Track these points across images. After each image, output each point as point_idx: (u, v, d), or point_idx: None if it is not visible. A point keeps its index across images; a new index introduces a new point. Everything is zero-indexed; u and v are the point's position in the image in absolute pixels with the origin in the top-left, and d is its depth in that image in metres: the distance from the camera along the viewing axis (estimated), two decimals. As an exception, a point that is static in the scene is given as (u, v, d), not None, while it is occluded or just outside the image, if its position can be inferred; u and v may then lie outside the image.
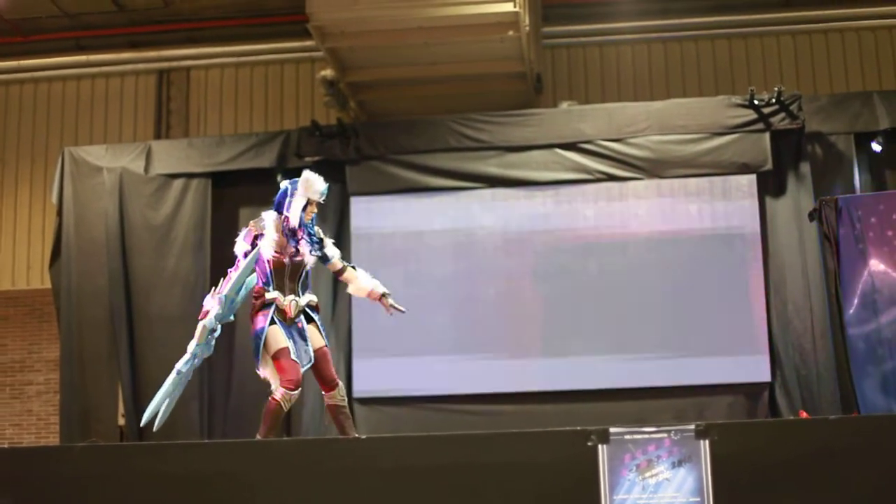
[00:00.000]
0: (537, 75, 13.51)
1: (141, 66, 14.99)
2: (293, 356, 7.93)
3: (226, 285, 7.88)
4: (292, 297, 8.07)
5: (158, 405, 8.12)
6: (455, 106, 13.52)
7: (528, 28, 12.36)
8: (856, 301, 10.20)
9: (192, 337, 13.00)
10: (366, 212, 13.20)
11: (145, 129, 14.89)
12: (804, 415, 11.23)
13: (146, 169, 13.58)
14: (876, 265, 10.20)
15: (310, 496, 6.40)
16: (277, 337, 7.96)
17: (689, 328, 12.54)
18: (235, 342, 13.47)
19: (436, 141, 13.09)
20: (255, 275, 7.99)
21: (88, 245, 13.55)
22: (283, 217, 8.04)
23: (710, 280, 12.63)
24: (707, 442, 6.13)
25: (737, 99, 12.89)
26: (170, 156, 13.66)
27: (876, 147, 12.84)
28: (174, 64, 14.96)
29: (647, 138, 12.89)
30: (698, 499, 6.08)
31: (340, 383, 8.23)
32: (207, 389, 13.17)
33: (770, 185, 12.87)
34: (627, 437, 6.19)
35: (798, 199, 12.64)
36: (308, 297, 8.22)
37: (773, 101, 12.62)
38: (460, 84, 13.49)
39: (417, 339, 12.69)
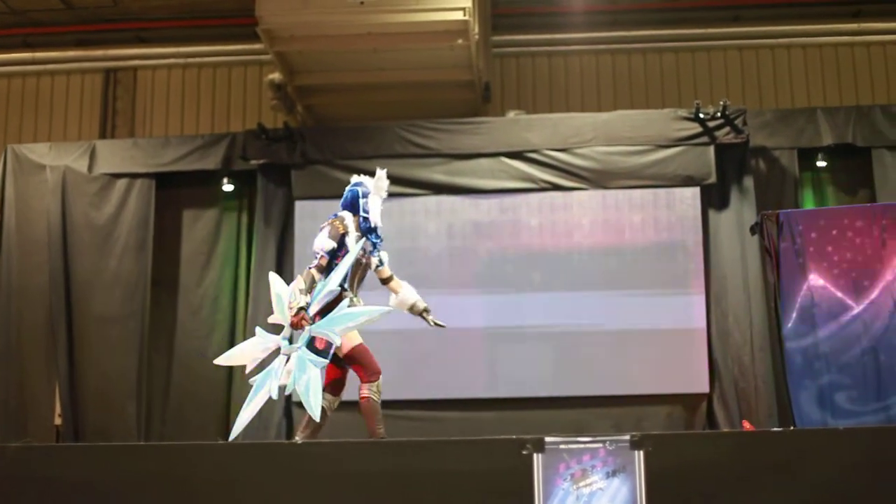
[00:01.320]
0: (486, 84, 13.52)
1: (88, 64, 14.83)
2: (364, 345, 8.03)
3: (331, 276, 7.94)
4: (357, 298, 8.19)
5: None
6: (403, 113, 13.51)
7: (477, 37, 12.35)
8: (794, 315, 10.28)
9: (131, 338, 12.99)
10: (310, 216, 13.10)
11: (90, 128, 14.74)
12: (747, 425, 11.29)
13: (90, 168, 13.51)
14: (815, 280, 10.29)
15: (244, 499, 6.38)
16: (352, 334, 7.97)
17: (630, 338, 12.60)
18: (174, 345, 13.43)
19: (382, 147, 13.05)
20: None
21: (29, 243, 13.46)
22: (358, 217, 8.18)
23: (652, 291, 12.69)
24: (641, 452, 6.18)
25: (682, 112, 12.97)
26: (114, 155, 13.58)
27: (820, 163, 13.01)
28: (121, 63, 14.82)
29: (592, 149, 12.94)
30: (632, 509, 6.12)
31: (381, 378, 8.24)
32: (146, 391, 13.08)
33: (713, 199, 12.96)
34: (563, 446, 6.23)
35: (741, 212, 12.73)
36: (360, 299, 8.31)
37: (719, 114, 12.71)
38: (408, 91, 13.46)
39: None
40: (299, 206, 13.22)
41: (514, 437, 6.24)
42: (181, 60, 14.67)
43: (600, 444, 6.21)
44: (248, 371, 8.13)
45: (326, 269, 8.00)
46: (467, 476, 6.24)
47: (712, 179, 12.79)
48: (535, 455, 6.18)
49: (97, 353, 13.09)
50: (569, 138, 12.98)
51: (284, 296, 8.00)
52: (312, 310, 7.84)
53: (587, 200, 12.98)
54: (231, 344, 13.34)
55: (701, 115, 12.73)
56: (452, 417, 12.49)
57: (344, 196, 8.41)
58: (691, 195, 12.88)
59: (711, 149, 12.79)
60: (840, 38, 14.21)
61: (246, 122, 14.16)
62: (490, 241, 13.00)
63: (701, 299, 12.69)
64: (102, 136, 14.54)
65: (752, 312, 12.47)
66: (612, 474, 6.16)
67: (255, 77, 14.50)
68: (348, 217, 8.20)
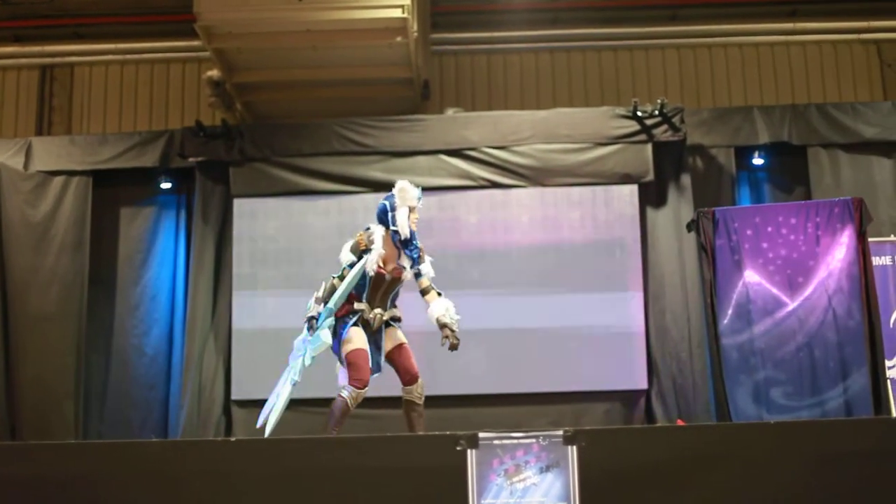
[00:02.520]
0: (424, 81, 13.53)
1: (24, 60, 14.67)
2: (368, 354, 8.21)
3: (332, 295, 8.20)
4: (379, 310, 8.34)
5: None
6: (342, 110, 13.48)
7: (416, 34, 12.34)
8: (730, 311, 10.37)
9: (68, 337, 12.88)
10: (249, 214, 13.10)
11: (27, 124, 14.58)
12: (681, 424, 11.37)
13: (26, 165, 13.35)
14: (751, 276, 10.38)
15: (178, 499, 6.35)
16: (358, 338, 8.20)
17: (568, 335, 12.64)
18: (112, 343, 13.33)
19: (321, 144, 13.04)
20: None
21: (-36, 241, 13.29)
22: (390, 231, 8.31)
23: (590, 288, 12.73)
24: (575, 448, 6.19)
25: (620, 110, 13.03)
26: (50, 153, 13.43)
27: (757, 161, 13.12)
28: (58, 60, 14.66)
29: (531, 147, 12.97)
30: (565, 503, 6.13)
31: (420, 380, 8.57)
32: (83, 390, 12.97)
33: (651, 196, 13.03)
34: (496, 441, 6.24)
35: (678, 210, 12.81)
36: (392, 312, 8.50)
37: (656, 113, 12.78)
38: (347, 88, 13.43)
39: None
40: (237, 203, 13.14)
41: (448, 432, 6.25)
42: (119, 57, 14.53)
43: (534, 440, 6.22)
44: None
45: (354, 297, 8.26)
46: (402, 472, 6.24)
47: (650, 177, 12.86)
48: (468, 451, 6.19)
49: (34, 353, 12.95)
50: (507, 136, 13.01)
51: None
52: (321, 323, 8.14)
53: (526, 198, 13.01)
54: (169, 342, 13.33)
55: (639, 114, 12.80)
56: (390, 415, 12.41)
57: (377, 208, 8.53)
58: (629, 193, 12.94)
59: (649, 147, 12.86)
60: (776, 38, 14.34)
61: (184, 119, 14.08)
62: (429, 239, 12.87)
63: (639, 296, 12.76)
64: (39, 133, 14.39)
65: (690, 309, 12.56)
66: (545, 469, 6.17)
67: (194, 74, 14.42)
68: (377, 231, 8.36)
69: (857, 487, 6.14)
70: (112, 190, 13.62)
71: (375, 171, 12.96)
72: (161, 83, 14.59)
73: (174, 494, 6.33)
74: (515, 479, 6.15)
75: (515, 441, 6.22)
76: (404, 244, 8.34)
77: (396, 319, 8.55)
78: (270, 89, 13.57)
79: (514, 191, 13.00)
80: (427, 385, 12.48)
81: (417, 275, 8.47)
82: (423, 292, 8.51)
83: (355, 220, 12.91)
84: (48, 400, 12.83)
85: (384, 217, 8.39)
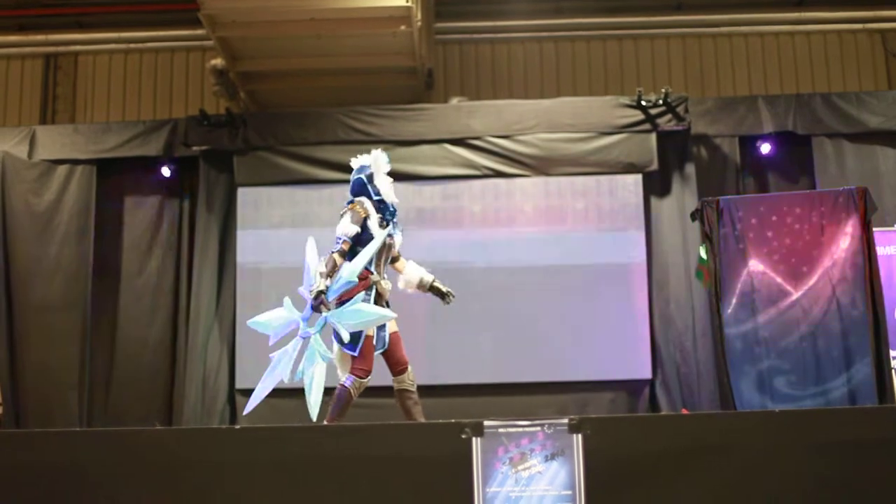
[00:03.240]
0: (428, 70, 13.53)
1: (28, 49, 14.66)
2: (373, 343, 8.03)
3: (350, 264, 7.91)
4: (385, 278, 8.23)
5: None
6: (345, 99, 13.49)
7: (420, 23, 12.34)
8: (734, 301, 10.33)
9: (73, 326, 12.87)
10: (252, 202, 13.11)
11: (31, 113, 14.58)
12: (686, 413, 11.36)
13: (30, 154, 13.37)
14: (755, 265, 10.34)
15: (181, 486, 6.35)
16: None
17: (572, 325, 12.64)
18: (117, 333, 13.34)
19: (325, 133, 13.04)
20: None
21: (-33, 231, 13.29)
22: (374, 201, 8.17)
23: (594, 278, 12.74)
24: (580, 436, 6.18)
25: (625, 99, 13.03)
26: (54, 141, 13.45)
27: (761, 151, 13.12)
28: (62, 49, 14.65)
29: (535, 136, 12.97)
30: (570, 492, 6.13)
31: (410, 367, 8.34)
32: (88, 380, 12.99)
33: (655, 186, 13.04)
34: (501, 430, 6.23)
35: (682, 199, 12.82)
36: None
37: (661, 102, 12.78)
38: (351, 77, 13.44)
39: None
40: (241, 192, 13.17)
41: (453, 420, 6.24)
42: (123, 46, 14.52)
43: (539, 428, 6.21)
44: (270, 344, 8.14)
45: (350, 254, 7.99)
46: (406, 460, 6.22)
47: (654, 166, 12.86)
48: (473, 439, 6.17)
49: (38, 342, 12.98)
50: (511, 125, 13.00)
51: (314, 267, 7.94)
52: (331, 296, 7.82)
53: (530, 187, 13.01)
54: (174, 332, 13.33)
55: (643, 103, 12.80)
56: (394, 404, 12.46)
57: (350, 185, 8.38)
58: (633, 182, 12.95)
59: (653, 136, 12.86)
60: (781, 27, 14.32)
61: (188, 108, 14.04)
62: (432, 228, 12.98)
63: (643, 286, 12.77)
64: (43, 121, 14.40)
65: (694, 299, 12.56)
66: (550, 458, 6.16)
67: (198, 63, 14.41)
68: (366, 201, 8.17)
69: (861, 476, 6.13)
70: (116, 179, 13.64)
71: (379, 161, 12.95)
72: (165, 72, 14.58)
73: (178, 482, 6.33)
74: (520, 467, 6.15)
75: (520, 429, 6.21)
76: (384, 211, 8.25)
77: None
78: (274, 78, 13.58)
79: (518, 180, 13.00)
80: (429, 374, 12.56)
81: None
82: (394, 260, 8.50)
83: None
84: (53, 389, 12.86)
85: (364, 189, 8.24)
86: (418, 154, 13.00)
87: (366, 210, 8.09)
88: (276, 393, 12.81)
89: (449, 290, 8.53)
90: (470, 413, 10.59)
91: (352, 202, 8.19)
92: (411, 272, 8.53)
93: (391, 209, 8.31)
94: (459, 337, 12.59)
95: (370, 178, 8.29)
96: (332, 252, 7.93)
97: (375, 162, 8.35)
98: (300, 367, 7.81)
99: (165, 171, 13.51)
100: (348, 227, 7.98)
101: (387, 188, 8.29)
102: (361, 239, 8.02)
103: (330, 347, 7.91)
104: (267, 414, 12.56)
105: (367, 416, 12.00)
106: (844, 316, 10.01)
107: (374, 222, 8.09)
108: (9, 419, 12.73)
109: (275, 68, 13.33)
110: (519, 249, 12.89)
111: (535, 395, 12.49)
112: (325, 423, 7.82)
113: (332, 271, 7.85)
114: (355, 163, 8.47)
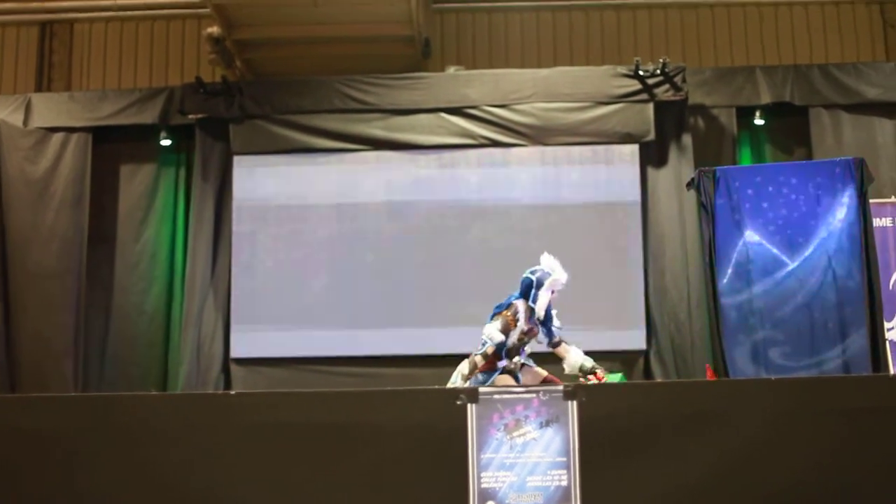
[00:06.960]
0: (425, 39, 13.47)
1: (23, 16, 14.58)
2: None
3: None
4: (517, 358, 8.50)
5: None
6: (342, 67, 13.42)
7: (417, -9, 12.31)
8: (730, 271, 10.34)
9: (68, 294, 12.86)
10: (248, 171, 13.10)
11: (26, 81, 14.52)
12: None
13: (25, 122, 13.32)
14: (751, 236, 10.34)
15: (178, 450, 6.37)
16: (506, 380, 8.25)
17: (568, 294, 12.59)
18: (112, 301, 13.33)
19: (321, 102, 13.02)
20: None
21: (-38, 198, 13.26)
22: (528, 307, 8.44)
23: (590, 247, 12.71)
24: (575, 403, 6.21)
25: (622, 69, 12.98)
26: (50, 109, 13.40)
27: (758, 121, 13.10)
28: (58, 16, 14.57)
29: (532, 105, 12.95)
30: (565, 459, 6.17)
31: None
32: (83, 347, 12.97)
33: (652, 156, 13.02)
34: (496, 396, 6.26)
35: (679, 170, 12.80)
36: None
37: (658, 72, 12.75)
38: (348, 45, 13.36)
39: (297, 304, 12.78)
40: (237, 160, 13.15)
41: (449, 387, 6.27)
42: (119, 13, 14.44)
43: (534, 395, 6.24)
44: None
45: (493, 356, 8.31)
46: (402, 426, 6.25)
47: (651, 137, 12.84)
48: (469, 405, 6.20)
49: (33, 310, 12.95)
50: (508, 94, 12.97)
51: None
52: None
53: (526, 157, 12.99)
54: (169, 300, 13.35)
55: (640, 73, 12.76)
56: (391, 374, 12.46)
57: (521, 280, 8.69)
58: (630, 152, 12.93)
59: (650, 106, 12.83)
60: (777, -3, 14.29)
61: (184, 75, 14.00)
62: (429, 197, 12.97)
63: (638, 256, 12.76)
64: (38, 89, 14.33)
65: (689, 269, 12.58)
66: (545, 424, 6.19)
67: (194, 30, 14.34)
68: (521, 306, 8.48)
69: (856, 443, 6.16)
70: (112, 147, 13.59)
71: (376, 129, 12.96)
72: (161, 40, 14.52)
73: (172, 447, 6.35)
74: (515, 433, 6.18)
75: (515, 396, 6.25)
76: (540, 322, 8.55)
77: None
78: (271, 46, 13.51)
79: (514, 149, 12.98)
80: (425, 345, 12.55)
81: (548, 335, 8.70)
82: (555, 345, 8.73)
83: (355, 178, 12.95)
84: (48, 357, 12.84)
85: (528, 291, 8.55)
86: (415, 123, 12.99)
87: (515, 320, 8.40)
88: (269, 363, 12.93)
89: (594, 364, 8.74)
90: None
91: (508, 305, 8.51)
92: (574, 357, 8.75)
93: (549, 324, 8.64)
94: (456, 306, 12.53)
95: (539, 285, 8.52)
96: (475, 354, 8.37)
97: (553, 278, 8.65)
98: None
99: (161, 140, 13.45)
100: (495, 334, 8.35)
101: (542, 304, 8.50)
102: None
103: None
104: (261, 382, 12.66)
105: (362, 384, 12.08)
106: (840, 287, 10.02)
107: (516, 331, 8.40)
108: (4, 387, 12.73)
109: (271, 36, 13.26)
110: (515, 218, 12.88)
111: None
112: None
113: (472, 372, 8.30)
114: (542, 263, 8.76)
